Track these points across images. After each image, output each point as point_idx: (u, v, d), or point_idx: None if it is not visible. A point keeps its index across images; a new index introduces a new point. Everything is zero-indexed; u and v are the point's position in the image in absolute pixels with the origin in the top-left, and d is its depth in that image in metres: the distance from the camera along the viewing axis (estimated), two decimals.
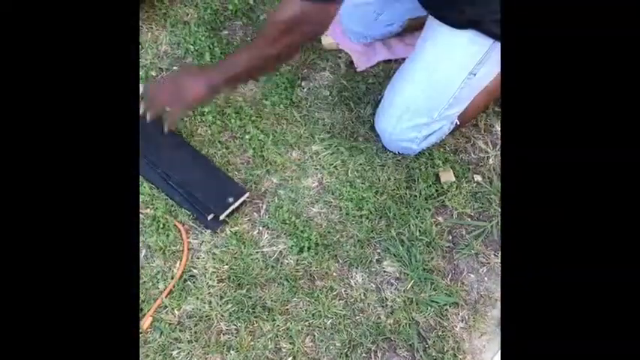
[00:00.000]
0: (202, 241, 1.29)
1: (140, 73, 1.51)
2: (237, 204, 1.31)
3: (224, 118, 1.46)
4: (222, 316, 1.21)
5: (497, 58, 1.25)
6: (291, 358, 1.18)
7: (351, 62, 1.57)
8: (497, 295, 1.27)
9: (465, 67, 1.29)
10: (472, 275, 1.30)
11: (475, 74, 1.29)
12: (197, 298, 1.23)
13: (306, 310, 1.23)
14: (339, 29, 1.59)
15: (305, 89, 1.53)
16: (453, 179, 1.39)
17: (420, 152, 1.41)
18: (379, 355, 1.20)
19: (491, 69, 1.30)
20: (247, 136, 1.43)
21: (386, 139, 1.39)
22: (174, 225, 1.31)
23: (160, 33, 1.60)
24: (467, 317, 1.24)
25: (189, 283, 1.25)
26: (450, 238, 1.34)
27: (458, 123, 1.40)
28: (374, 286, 1.27)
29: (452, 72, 1.30)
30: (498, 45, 1.23)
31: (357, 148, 1.43)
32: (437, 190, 1.38)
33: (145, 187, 1.34)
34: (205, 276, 1.25)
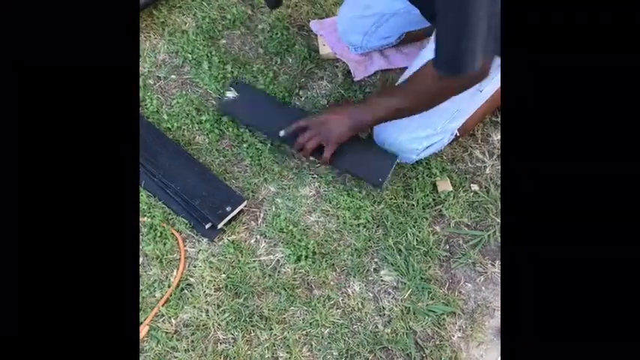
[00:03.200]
0: (199, 250, 1.29)
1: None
2: (234, 212, 1.31)
3: (221, 127, 1.46)
4: (219, 325, 1.21)
5: None
6: None
7: (349, 72, 1.57)
8: (495, 304, 1.27)
9: None
10: (469, 284, 1.30)
11: (482, 90, 1.29)
12: (194, 306, 1.22)
13: (303, 319, 1.22)
14: (337, 38, 1.59)
15: (303, 98, 1.53)
16: (451, 188, 1.39)
17: (417, 161, 1.41)
18: None
19: (497, 84, 1.30)
20: (245, 145, 1.44)
21: (385, 149, 1.39)
22: (172, 233, 1.30)
23: (158, 41, 1.60)
24: (464, 326, 1.24)
25: (186, 291, 1.24)
26: (447, 247, 1.34)
27: (458, 134, 1.41)
28: (371, 295, 1.27)
29: None
30: None
31: None
32: (434, 200, 1.38)
33: (142, 196, 1.34)
34: (202, 285, 1.25)
